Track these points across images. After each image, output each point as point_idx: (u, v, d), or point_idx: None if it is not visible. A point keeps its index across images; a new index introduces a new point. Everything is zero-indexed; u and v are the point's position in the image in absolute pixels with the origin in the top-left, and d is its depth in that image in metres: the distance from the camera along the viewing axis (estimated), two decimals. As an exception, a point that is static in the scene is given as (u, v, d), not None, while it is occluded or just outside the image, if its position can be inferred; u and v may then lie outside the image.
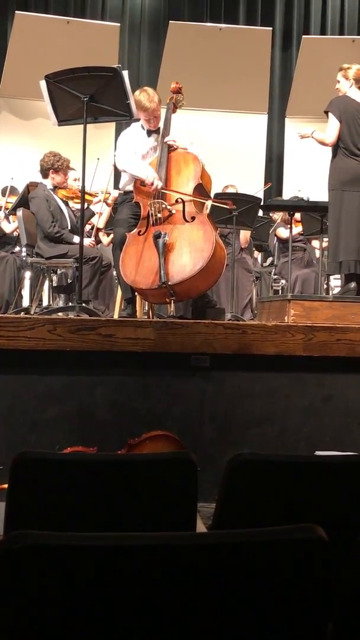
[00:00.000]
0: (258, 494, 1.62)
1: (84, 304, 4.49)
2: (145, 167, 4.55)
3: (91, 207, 6.59)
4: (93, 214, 7.00)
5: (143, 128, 4.78)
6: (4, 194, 7.69)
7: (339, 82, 5.15)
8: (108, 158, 7.99)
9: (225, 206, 5.17)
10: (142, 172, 4.50)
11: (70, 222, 5.80)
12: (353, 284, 4.97)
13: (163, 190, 4.44)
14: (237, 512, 1.61)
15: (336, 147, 5.04)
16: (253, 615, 1.08)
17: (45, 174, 5.94)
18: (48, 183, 5.91)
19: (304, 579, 1.07)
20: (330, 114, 5.01)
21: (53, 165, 5.86)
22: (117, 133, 8.53)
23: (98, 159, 7.23)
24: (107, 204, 7.06)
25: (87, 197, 5.96)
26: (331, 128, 5.01)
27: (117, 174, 5.01)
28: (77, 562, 1.01)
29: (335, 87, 5.24)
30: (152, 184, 4.42)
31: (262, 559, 1.07)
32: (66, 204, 5.97)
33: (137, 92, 4.67)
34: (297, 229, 7.25)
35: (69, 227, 5.75)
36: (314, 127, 5.32)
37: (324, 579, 1.08)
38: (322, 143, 5.12)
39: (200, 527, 1.93)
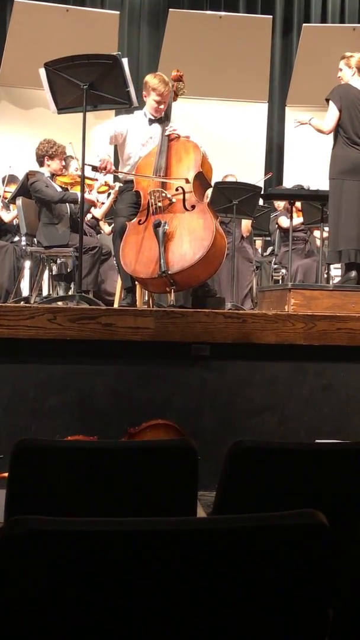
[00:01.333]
0: (258, 481, 1.62)
1: (83, 293, 4.49)
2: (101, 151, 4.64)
3: (92, 196, 6.56)
4: (91, 206, 6.98)
5: (146, 116, 4.76)
6: (3, 183, 7.67)
7: (341, 70, 5.13)
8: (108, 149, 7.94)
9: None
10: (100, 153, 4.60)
11: (70, 209, 5.78)
12: (353, 273, 4.96)
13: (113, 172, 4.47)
14: (238, 500, 1.61)
15: (337, 136, 5.02)
16: (253, 600, 1.08)
17: (40, 162, 5.93)
18: (45, 171, 5.89)
19: (305, 564, 1.07)
20: (330, 102, 4.98)
21: (47, 152, 5.85)
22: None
23: (98, 155, 7.19)
24: (111, 187, 7.00)
25: (88, 181, 5.94)
26: (330, 116, 4.99)
27: (116, 165, 5.00)
28: (77, 547, 1.01)
29: (336, 75, 5.21)
30: (104, 166, 4.48)
31: (262, 545, 1.06)
32: (65, 190, 5.95)
33: (150, 76, 4.69)
34: (299, 219, 7.23)
35: (68, 214, 5.74)
36: (313, 116, 5.29)
37: (325, 564, 1.08)
38: (320, 131, 5.10)
39: (201, 515, 1.93)
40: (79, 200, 4.74)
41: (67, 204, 5.82)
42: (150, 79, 4.68)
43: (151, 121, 4.75)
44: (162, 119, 4.75)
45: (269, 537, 1.06)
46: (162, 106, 4.71)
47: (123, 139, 4.76)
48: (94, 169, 4.51)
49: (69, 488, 1.66)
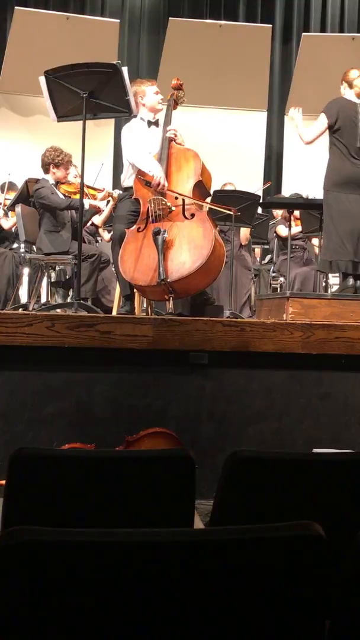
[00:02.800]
0: (256, 491, 1.62)
1: (82, 301, 4.49)
2: (156, 164, 4.51)
3: (96, 202, 6.57)
4: (95, 213, 6.99)
5: (143, 120, 4.79)
6: (2, 190, 7.69)
7: (341, 84, 5.20)
8: (108, 158, 7.98)
9: (228, 211, 5.18)
10: (153, 168, 4.46)
11: (72, 218, 5.80)
12: (351, 281, 4.98)
13: (166, 191, 4.42)
14: (235, 509, 1.61)
15: (333, 148, 5.04)
16: (250, 612, 1.07)
17: (46, 169, 5.94)
18: (49, 178, 5.91)
19: (302, 576, 1.07)
20: (322, 114, 4.99)
21: (54, 160, 5.86)
22: (117, 131, 8.51)
23: (102, 164, 7.23)
24: (113, 198, 7.01)
25: (91, 192, 5.96)
26: (314, 128, 5.01)
27: (117, 175, 5.01)
28: (74, 558, 1.01)
29: (335, 84, 5.26)
30: (158, 183, 4.39)
31: (259, 556, 1.06)
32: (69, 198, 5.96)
33: (135, 85, 4.72)
34: (297, 227, 7.25)
35: (70, 222, 5.76)
36: (310, 124, 5.30)
37: (322, 576, 1.08)
38: (300, 138, 5.12)
39: (198, 524, 1.93)
40: (82, 206, 4.75)
41: (69, 210, 5.84)
42: (136, 87, 4.73)
43: (150, 123, 4.80)
44: (158, 122, 4.80)
45: (265, 548, 1.06)
46: (159, 106, 4.78)
47: None
48: (147, 184, 4.46)
49: (66, 497, 1.66)
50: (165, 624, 1.05)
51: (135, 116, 4.79)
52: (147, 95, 4.77)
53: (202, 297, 4.65)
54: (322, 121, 4.97)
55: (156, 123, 4.83)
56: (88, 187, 5.86)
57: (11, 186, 7.59)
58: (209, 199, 5.44)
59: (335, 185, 4.96)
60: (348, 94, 5.08)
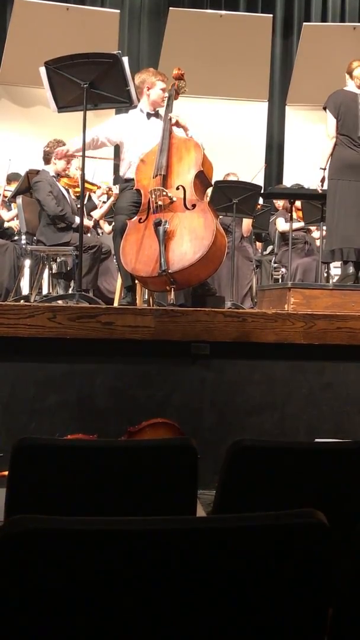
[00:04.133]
0: (258, 480, 1.62)
1: (83, 292, 4.49)
2: (73, 141, 4.78)
3: (93, 198, 6.58)
4: (94, 207, 7.00)
5: (142, 111, 4.80)
6: (8, 182, 7.67)
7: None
8: (109, 149, 7.95)
9: None
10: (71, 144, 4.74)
11: (72, 210, 5.81)
12: (351, 269, 5.00)
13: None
14: (237, 499, 1.61)
15: (336, 139, 5.09)
16: (253, 599, 1.08)
17: (47, 160, 5.94)
18: (50, 169, 5.90)
19: (305, 563, 1.08)
20: (327, 110, 5.11)
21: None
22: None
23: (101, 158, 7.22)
24: (109, 194, 7.04)
25: (89, 186, 5.96)
26: (329, 125, 5.13)
27: (118, 166, 5.03)
28: (76, 546, 1.01)
29: (336, 73, 5.30)
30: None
31: (262, 544, 1.07)
32: (67, 192, 5.97)
33: (143, 74, 4.74)
34: (297, 224, 7.23)
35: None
36: (313, 116, 5.36)
37: (325, 563, 1.08)
38: (329, 140, 5.19)
39: (201, 514, 1.93)
40: (79, 224, 4.75)
41: (69, 201, 5.83)
42: (146, 75, 4.75)
43: (149, 115, 4.80)
44: (158, 113, 4.81)
45: (268, 536, 1.06)
46: (166, 93, 4.82)
47: (118, 143, 4.82)
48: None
49: (69, 487, 1.66)
50: (168, 612, 1.05)
51: (135, 107, 4.79)
52: (154, 88, 4.78)
53: (203, 288, 4.64)
54: (330, 115, 5.11)
55: (156, 114, 4.84)
56: (87, 182, 5.87)
57: (13, 177, 7.58)
58: (210, 190, 5.43)
59: (337, 172, 5.00)
60: (350, 85, 5.17)
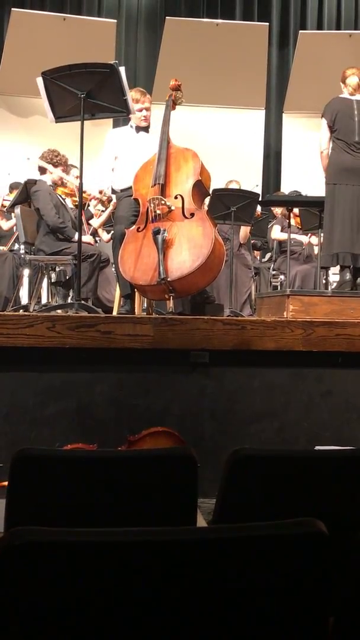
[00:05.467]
0: (258, 489, 1.62)
1: (82, 301, 4.49)
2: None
3: (89, 208, 6.59)
4: (92, 216, 7.01)
5: (132, 127, 4.91)
6: (10, 190, 7.68)
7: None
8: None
9: None
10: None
11: (71, 219, 5.82)
12: (348, 275, 5.02)
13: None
14: (238, 507, 1.61)
15: (333, 145, 5.13)
16: (253, 609, 1.07)
17: (43, 170, 5.95)
18: (47, 179, 5.91)
19: (305, 573, 1.07)
20: (322, 119, 5.17)
21: (52, 160, 5.88)
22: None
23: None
24: (104, 204, 7.05)
25: (86, 195, 5.98)
26: (322, 136, 5.20)
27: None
28: (77, 558, 1.01)
29: (332, 81, 5.35)
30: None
31: (262, 553, 1.06)
32: (64, 200, 5.99)
33: (133, 92, 4.82)
34: (294, 235, 7.25)
35: (70, 222, 5.77)
36: (311, 123, 5.40)
37: (325, 572, 1.08)
38: (321, 154, 5.23)
39: (201, 523, 1.93)
40: (77, 238, 4.75)
41: (67, 211, 5.84)
42: (133, 93, 4.84)
43: (138, 129, 4.95)
44: (148, 127, 4.89)
45: (268, 546, 1.06)
46: (145, 113, 4.97)
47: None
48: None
49: (69, 497, 1.66)
50: (168, 622, 1.05)
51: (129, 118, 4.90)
52: (135, 107, 4.87)
53: (202, 296, 4.65)
54: (324, 126, 5.18)
55: (145, 129, 5.01)
56: (85, 192, 5.90)
57: (14, 186, 7.59)
58: (207, 199, 5.46)
59: (335, 177, 5.03)
60: (345, 92, 5.22)
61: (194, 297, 4.65)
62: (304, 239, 7.66)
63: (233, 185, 7.27)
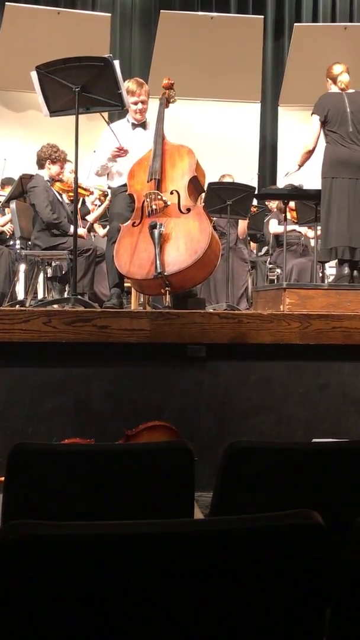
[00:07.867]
0: (255, 481, 1.62)
1: (78, 296, 4.48)
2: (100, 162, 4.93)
3: (86, 203, 6.58)
4: (88, 212, 7.00)
5: (128, 121, 4.88)
6: (1, 187, 7.66)
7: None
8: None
9: None
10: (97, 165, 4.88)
11: (67, 215, 5.81)
12: (346, 270, 5.00)
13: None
14: (235, 500, 1.61)
15: (328, 139, 5.10)
16: (251, 601, 1.08)
17: (41, 165, 5.94)
18: (44, 174, 5.90)
19: (301, 564, 1.08)
20: (313, 115, 5.14)
21: (50, 155, 5.88)
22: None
23: (94, 151, 7.22)
24: (101, 200, 7.05)
25: (81, 191, 5.97)
26: (311, 132, 5.15)
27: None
28: (74, 551, 1.01)
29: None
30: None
31: (259, 545, 1.07)
32: (61, 196, 5.98)
33: (125, 82, 4.76)
34: (291, 226, 7.24)
35: (66, 219, 5.76)
36: (306, 116, 5.38)
37: (321, 564, 1.08)
38: (308, 152, 5.18)
39: (198, 516, 1.93)
40: (73, 233, 4.74)
41: (63, 207, 5.83)
42: (125, 84, 4.78)
43: (134, 125, 4.93)
44: (145, 123, 4.85)
45: (265, 537, 1.07)
46: (140, 106, 4.90)
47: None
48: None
49: (66, 491, 1.66)
50: (166, 615, 1.05)
51: (127, 111, 4.86)
52: (130, 99, 4.83)
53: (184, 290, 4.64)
54: (315, 122, 5.13)
55: (142, 125, 4.96)
56: (81, 187, 5.88)
57: (7, 181, 7.57)
58: (202, 195, 5.45)
59: (331, 170, 5.01)
60: (333, 88, 5.20)
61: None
62: (304, 230, 7.66)
63: (226, 180, 7.25)
